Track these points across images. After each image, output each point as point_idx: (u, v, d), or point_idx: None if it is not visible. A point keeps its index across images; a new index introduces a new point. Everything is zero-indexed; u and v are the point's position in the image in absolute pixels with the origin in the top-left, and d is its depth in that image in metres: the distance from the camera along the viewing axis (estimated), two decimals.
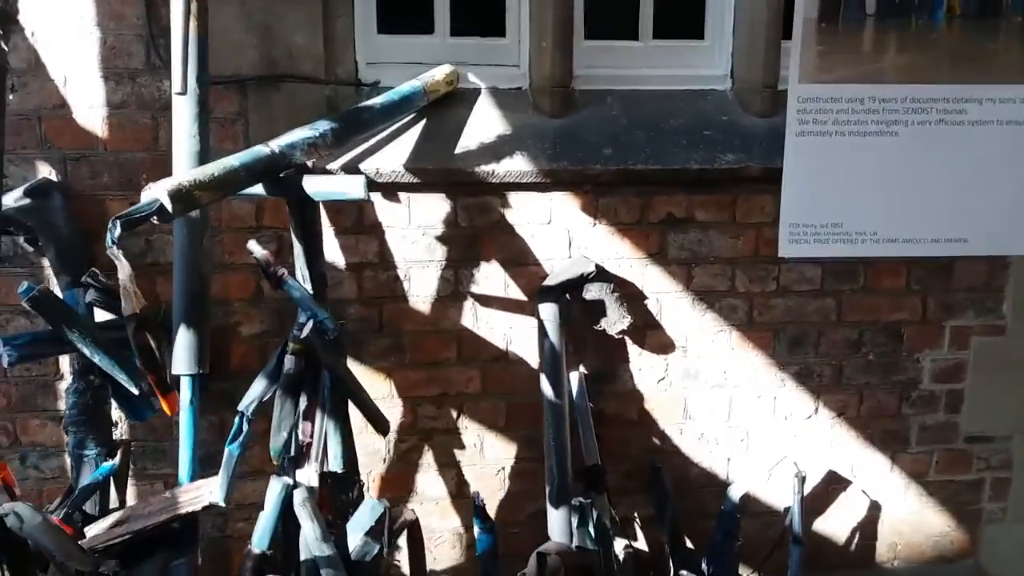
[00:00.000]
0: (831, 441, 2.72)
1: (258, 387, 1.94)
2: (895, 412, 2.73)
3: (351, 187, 1.90)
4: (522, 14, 2.58)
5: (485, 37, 2.65)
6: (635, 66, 2.69)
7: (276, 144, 1.89)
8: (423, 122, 2.49)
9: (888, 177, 1.71)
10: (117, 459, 2.06)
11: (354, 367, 2.43)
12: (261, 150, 1.84)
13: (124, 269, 1.45)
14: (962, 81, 1.66)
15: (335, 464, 1.98)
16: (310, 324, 1.88)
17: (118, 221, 1.47)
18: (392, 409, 2.49)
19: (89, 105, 2.23)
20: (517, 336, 2.53)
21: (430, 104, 2.47)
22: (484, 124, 2.51)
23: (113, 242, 1.43)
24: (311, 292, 1.98)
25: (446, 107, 2.53)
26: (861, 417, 2.72)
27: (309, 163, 1.98)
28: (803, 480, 2.49)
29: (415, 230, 2.43)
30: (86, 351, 1.92)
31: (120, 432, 2.32)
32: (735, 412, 2.67)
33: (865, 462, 2.75)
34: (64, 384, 2.27)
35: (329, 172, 2.30)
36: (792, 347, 2.65)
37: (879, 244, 1.77)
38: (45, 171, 2.24)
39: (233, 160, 1.76)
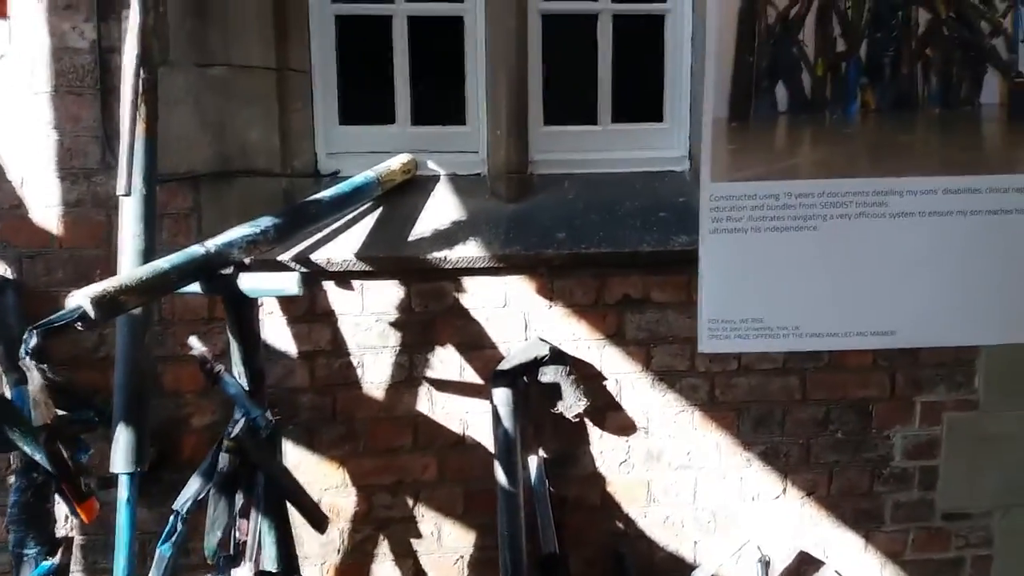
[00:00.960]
0: (801, 521, 2.65)
1: (194, 485, 1.94)
2: (867, 490, 2.67)
3: (286, 284, 1.92)
4: (480, 103, 2.64)
5: (447, 125, 2.71)
6: (594, 149, 2.73)
7: (213, 243, 1.92)
8: (379, 210, 2.53)
9: (809, 272, 1.69)
10: (58, 557, 2.04)
11: (307, 456, 2.43)
12: (196, 251, 1.87)
13: (34, 381, 1.46)
14: (881, 174, 1.66)
15: (270, 563, 1.95)
16: (242, 422, 1.88)
17: (35, 331, 1.49)
18: (346, 498, 2.47)
19: (45, 204, 2.29)
20: (474, 421, 2.51)
21: (389, 191, 2.51)
22: (440, 210, 2.54)
23: (27, 352, 1.45)
24: (248, 389, 1.98)
25: (404, 194, 2.57)
26: (831, 496, 2.65)
27: (247, 260, 2.00)
28: (767, 564, 2.43)
29: (368, 317, 2.44)
30: (27, 449, 1.92)
31: (69, 525, 2.31)
32: (700, 494, 2.61)
33: (838, 542, 2.67)
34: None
35: (281, 264, 2.34)
36: (757, 426, 2.61)
37: (802, 339, 1.75)
38: (0, 270, 2.28)
39: (164, 263, 1.79)
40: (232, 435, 1.88)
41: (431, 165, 2.65)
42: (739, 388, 2.58)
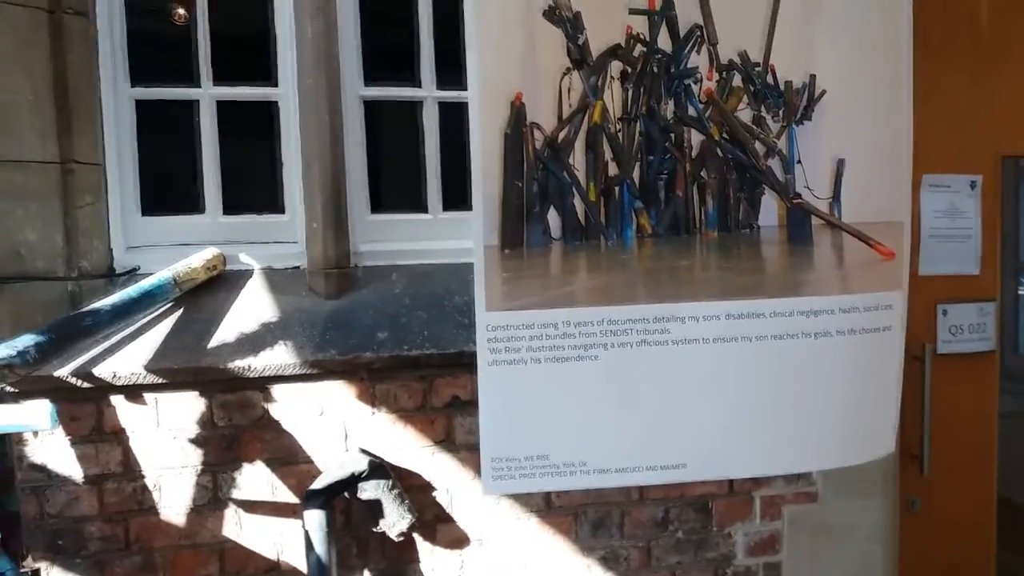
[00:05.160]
0: None
1: None
2: None
3: (36, 419, 1.68)
4: (298, 190, 2.48)
5: (262, 214, 2.53)
6: (423, 239, 2.60)
7: None
8: (180, 311, 2.31)
9: (592, 404, 1.59)
10: None
11: None
12: None
13: None
14: (661, 300, 1.57)
15: None
16: None
17: None
18: None
19: None
20: (290, 543, 2.29)
21: (194, 289, 2.31)
22: (250, 310, 2.35)
23: None
24: None
25: (210, 292, 2.37)
26: None
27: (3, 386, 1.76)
28: None
29: (165, 433, 2.21)
30: None
31: None
32: None
33: None
34: None
35: (59, 380, 2.09)
36: (595, 530, 2.48)
37: (590, 475, 1.64)
38: None
39: None
40: None
41: (243, 259, 2.46)
42: (575, 491, 2.46)
